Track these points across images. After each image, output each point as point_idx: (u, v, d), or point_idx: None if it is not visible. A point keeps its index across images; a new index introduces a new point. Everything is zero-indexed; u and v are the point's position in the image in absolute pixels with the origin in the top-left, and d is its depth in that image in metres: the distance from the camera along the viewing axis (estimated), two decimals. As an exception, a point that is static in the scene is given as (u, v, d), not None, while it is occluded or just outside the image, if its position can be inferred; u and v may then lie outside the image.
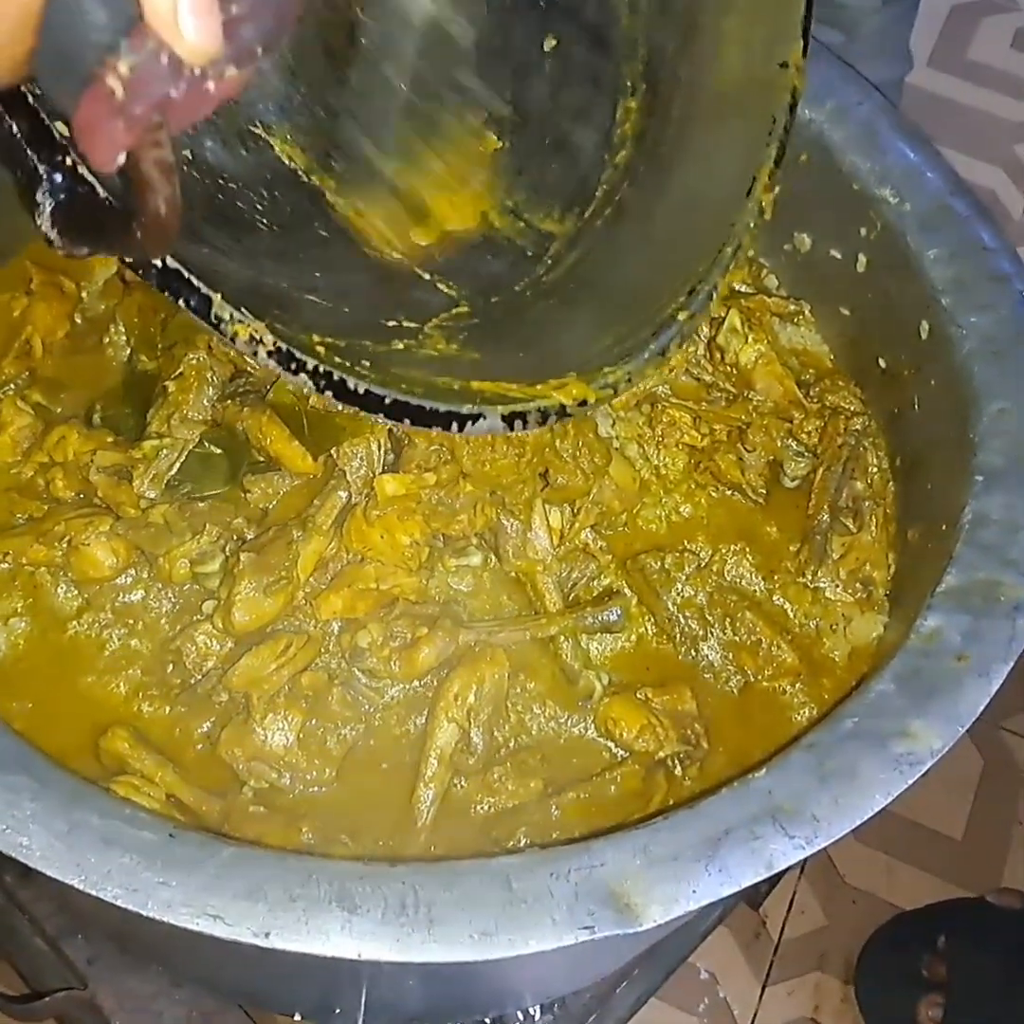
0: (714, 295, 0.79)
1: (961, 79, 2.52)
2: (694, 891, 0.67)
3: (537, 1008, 1.16)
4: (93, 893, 0.63)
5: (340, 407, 0.64)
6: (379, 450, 0.93)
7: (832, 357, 1.12)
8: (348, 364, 0.65)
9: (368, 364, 0.66)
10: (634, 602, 0.96)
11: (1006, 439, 0.87)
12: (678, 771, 0.89)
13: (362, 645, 0.89)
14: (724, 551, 0.98)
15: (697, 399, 1.04)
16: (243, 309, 0.60)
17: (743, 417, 1.03)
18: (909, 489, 1.00)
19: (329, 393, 0.64)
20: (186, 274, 0.58)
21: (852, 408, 1.05)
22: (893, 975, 1.63)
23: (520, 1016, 1.15)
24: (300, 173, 0.77)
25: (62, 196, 0.52)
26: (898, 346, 1.01)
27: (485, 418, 0.68)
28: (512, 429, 0.70)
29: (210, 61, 0.42)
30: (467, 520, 0.92)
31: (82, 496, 0.94)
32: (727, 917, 1.33)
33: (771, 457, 1.03)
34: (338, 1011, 1.03)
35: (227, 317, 0.60)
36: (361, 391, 0.64)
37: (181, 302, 0.59)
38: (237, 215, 0.74)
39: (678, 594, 0.96)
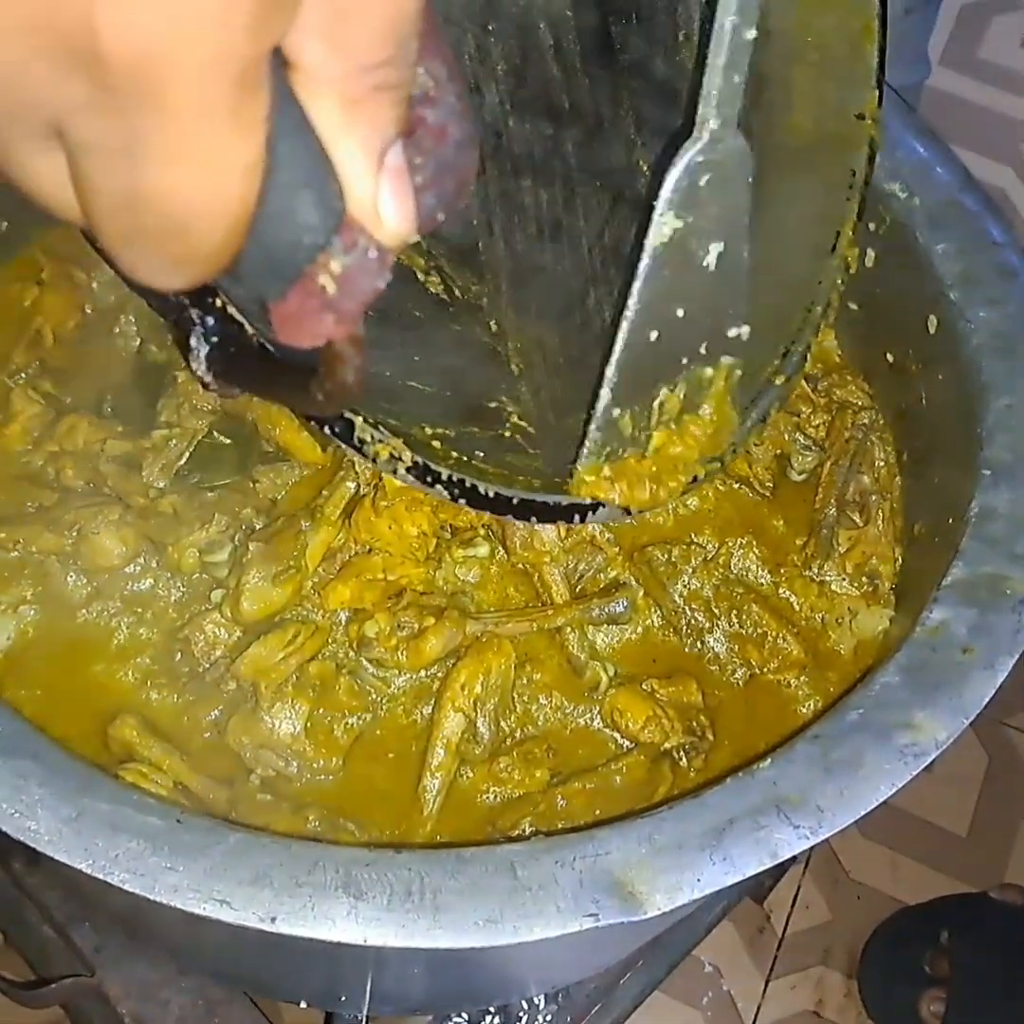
0: (808, 356, 0.78)
1: (971, 78, 2.51)
2: (698, 880, 0.67)
3: (541, 998, 1.17)
4: (101, 877, 0.64)
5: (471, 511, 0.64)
6: (388, 441, 0.93)
7: (840, 352, 1.11)
8: (465, 458, 0.65)
9: (482, 455, 0.66)
10: (640, 594, 0.96)
11: (1013, 434, 0.87)
12: (683, 762, 0.89)
13: (369, 635, 0.89)
14: (731, 544, 0.98)
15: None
16: (381, 428, 0.60)
17: (750, 411, 1.03)
18: (916, 483, 1.00)
19: (463, 500, 0.64)
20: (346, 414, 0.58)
21: (859, 402, 1.05)
22: (896, 970, 1.63)
23: (524, 1005, 1.15)
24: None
25: (215, 339, 0.53)
26: (906, 341, 1.01)
27: (604, 507, 0.68)
28: (629, 514, 0.70)
29: (406, 242, 0.42)
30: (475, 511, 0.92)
31: (92, 485, 0.94)
32: (731, 911, 1.33)
33: (778, 451, 1.03)
34: (344, 999, 1.03)
35: (369, 439, 0.60)
36: (491, 495, 0.65)
37: (326, 429, 0.59)
38: None
39: (684, 586, 0.96)
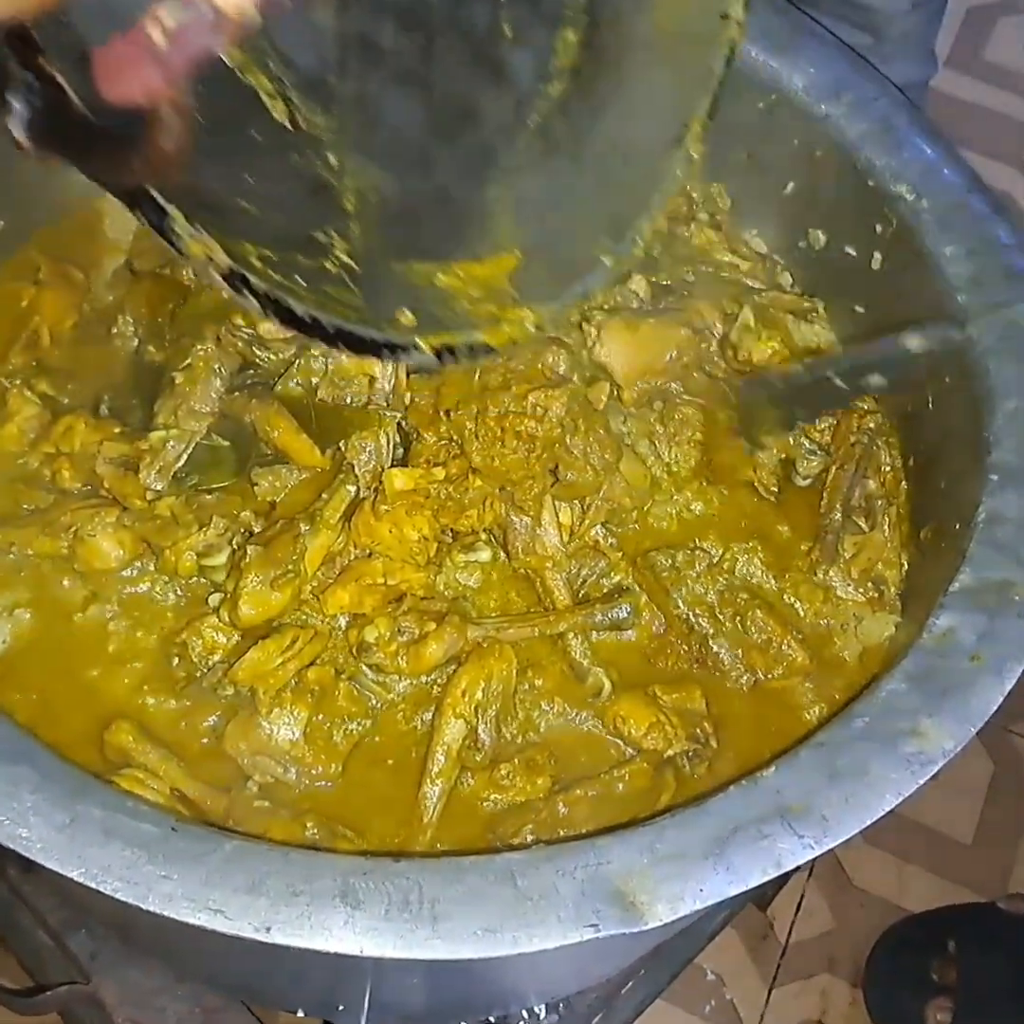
0: (639, 240, 0.78)
1: (977, 80, 2.50)
2: (701, 890, 0.66)
3: (542, 1008, 1.15)
4: (93, 886, 0.63)
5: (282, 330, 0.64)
6: (388, 444, 0.93)
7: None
8: (286, 282, 0.64)
9: (303, 282, 0.66)
10: (644, 599, 0.95)
11: (1021, 438, 0.86)
12: (687, 769, 0.88)
13: (369, 640, 0.88)
14: (735, 549, 0.98)
15: (709, 396, 1.03)
16: (197, 225, 0.59)
17: (755, 414, 1.02)
18: (922, 488, 0.99)
19: (275, 317, 0.63)
20: (151, 191, 0.57)
21: (865, 406, 1.04)
22: (902, 978, 1.62)
23: (525, 1015, 1.14)
24: (237, 71, 0.77)
25: (36, 102, 0.51)
26: (913, 344, 1.00)
27: (418, 350, 0.69)
28: (442, 362, 0.70)
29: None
30: (476, 515, 0.92)
31: (89, 487, 0.93)
32: (734, 918, 1.32)
33: (783, 455, 1.02)
34: (342, 1008, 1.02)
35: (184, 234, 0.59)
36: (308, 319, 0.64)
37: (139, 215, 0.58)
38: None
39: (688, 592, 0.95)
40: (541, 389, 0.89)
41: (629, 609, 0.93)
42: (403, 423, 0.93)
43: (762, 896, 1.53)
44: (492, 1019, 1.14)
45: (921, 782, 0.70)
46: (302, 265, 0.68)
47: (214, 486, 0.93)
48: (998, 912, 1.64)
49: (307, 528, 0.89)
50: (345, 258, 0.73)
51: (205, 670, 0.88)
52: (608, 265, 0.77)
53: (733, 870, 0.67)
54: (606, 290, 0.78)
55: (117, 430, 0.95)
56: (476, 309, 0.74)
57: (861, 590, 0.97)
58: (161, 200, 0.58)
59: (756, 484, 1.01)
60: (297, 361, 0.94)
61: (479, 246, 0.78)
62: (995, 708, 0.74)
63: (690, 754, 0.88)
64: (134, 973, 1.06)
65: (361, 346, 0.67)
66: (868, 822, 0.69)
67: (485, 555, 0.94)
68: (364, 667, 0.89)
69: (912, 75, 1.59)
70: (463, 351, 0.71)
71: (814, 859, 0.68)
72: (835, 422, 1.03)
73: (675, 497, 1.00)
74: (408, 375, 0.94)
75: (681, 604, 0.95)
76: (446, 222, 0.80)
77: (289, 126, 0.76)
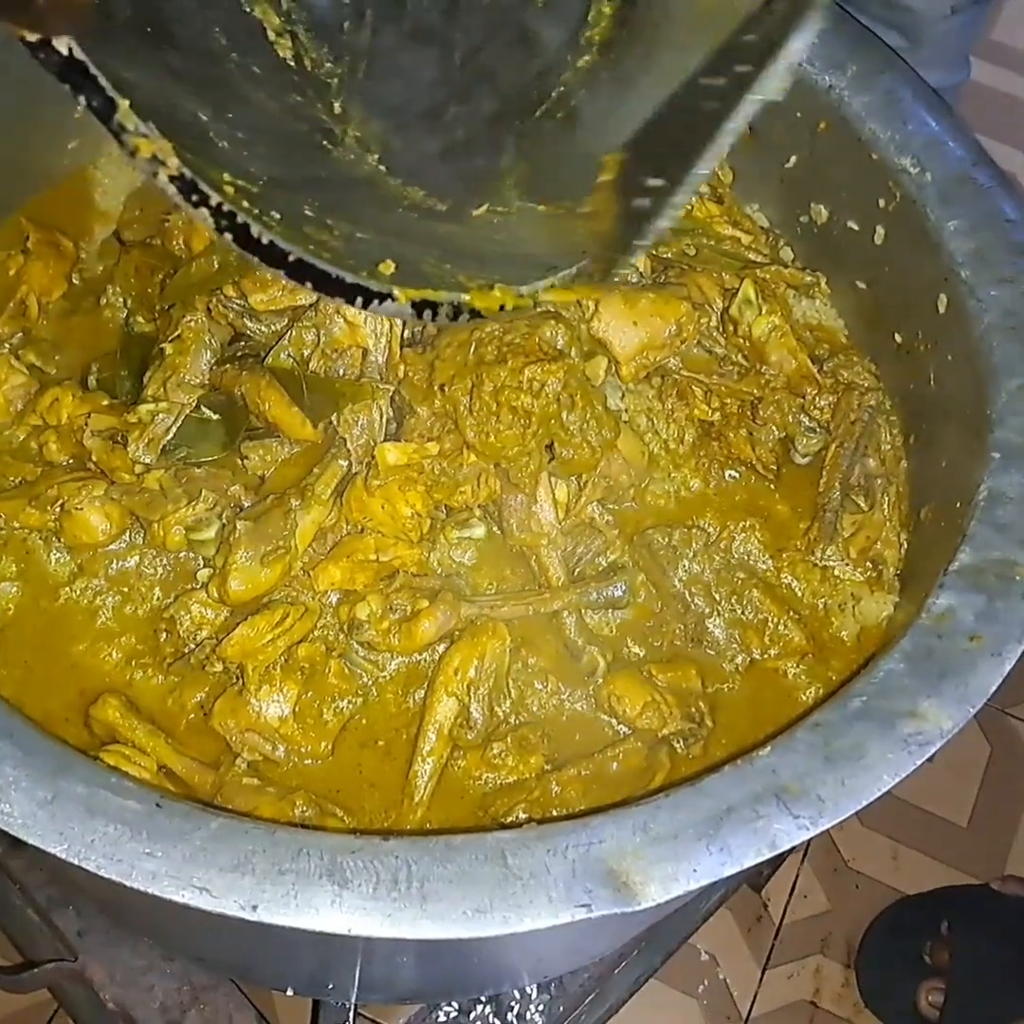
0: (677, 206, 0.77)
1: (983, 60, 2.48)
2: (694, 870, 0.65)
3: (534, 988, 1.15)
4: (76, 863, 0.62)
5: (240, 253, 0.62)
6: (381, 418, 0.91)
7: (847, 332, 1.10)
8: (256, 211, 0.62)
9: (279, 217, 0.64)
10: (640, 578, 0.94)
11: (1024, 416, 0.85)
12: (681, 749, 0.87)
13: (361, 617, 0.87)
14: (732, 528, 0.97)
15: (708, 372, 1.02)
16: (151, 124, 0.57)
17: (755, 391, 1.01)
18: (923, 467, 0.98)
19: (229, 237, 0.61)
20: (92, 70, 0.55)
21: (866, 384, 1.03)
22: (895, 960, 1.62)
23: (516, 995, 1.14)
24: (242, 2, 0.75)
25: None
26: (915, 320, 0.99)
27: (393, 299, 0.67)
28: (420, 317, 0.69)
29: None
30: (470, 491, 0.90)
31: (76, 460, 0.92)
32: (729, 899, 1.32)
33: (783, 433, 1.01)
34: (331, 987, 1.02)
35: (131, 128, 0.57)
36: (265, 241, 0.62)
37: (82, 100, 0.56)
38: (161, 26, 0.70)
39: (685, 571, 0.94)
40: (538, 364, 0.88)
41: (624, 587, 0.92)
42: (396, 397, 0.92)
43: (757, 877, 1.53)
44: (483, 998, 1.13)
45: (918, 763, 0.70)
46: (281, 202, 0.67)
47: (204, 459, 0.92)
48: (992, 894, 1.64)
49: (298, 503, 0.88)
50: (332, 198, 0.71)
51: (193, 646, 0.87)
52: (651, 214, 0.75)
53: (727, 850, 0.66)
54: (605, 275, 0.77)
55: (105, 402, 0.93)
56: (466, 272, 0.72)
57: (860, 570, 0.96)
58: (108, 87, 0.56)
59: (754, 462, 1.00)
60: (289, 333, 0.93)
61: (481, 210, 0.77)
62: (994, 689, 0.73)
63: (685, 734, 0.87)
64: (122, 951, 1.05)
65: (328, 284, 0.65)
66: (864, 803, 0.68)
67: (479, 532, 0.92)
68: (355, 645, 0.88)
69: (944, 80, 1.56)
70: (446, 310, 0.70)
71: (809, 840, 0.67)
72: (835, 400, 1.02)
73: (673, 475, 0.99)
74: (402, 348, 0.93)
75: (677, 583, 0.94)
76: (450, 182, 0.78)
77: (293, 65, 0.75)
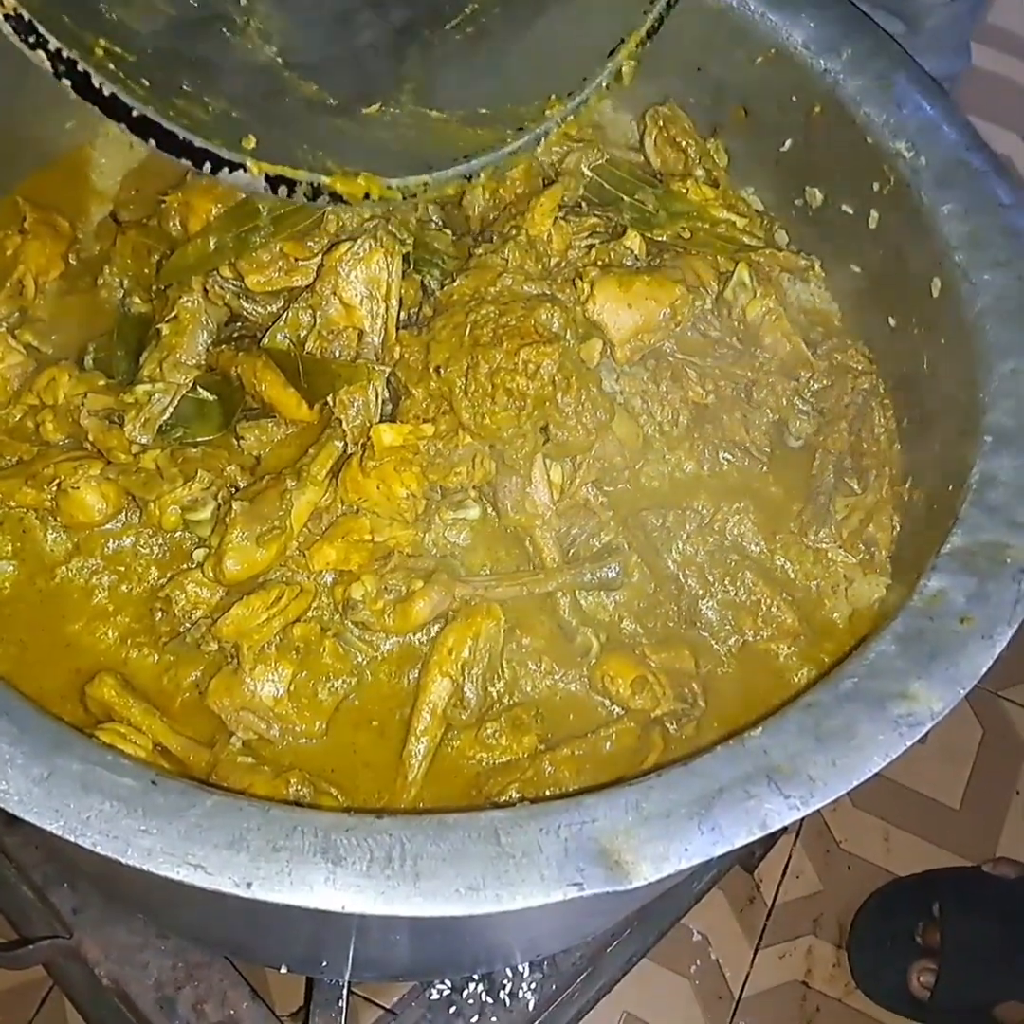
0: (541, 141, 0.79)
1: (979, 44, 2.47)
2: (686, 849, 0.66)
3: (526, 966, 1.16)
4: (72, 839, 0.62)
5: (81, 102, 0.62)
6: (376, 399, 0.91)
7: (841, 315, 1.10)
8: (120, 74, 0.62)
9: (147, 84, 0.64)
10: (634, 560, 0.94)
11: (1017, 400, 0.85)
12: (674, 729, 0.87)
13: (356, 597, 0.87)
14: (726, 510, 0.97)
15: (702, 355, 1.02)
16: None
17: (749, 374, 1.01)
18: (916, 450, 0.98)
19: (68, 84, 0.61)
20: None
21: (860, 367, 1.03)
22: (887, 940, 1.63)
23: (509, 973, 1.15)
24: None
25: None
26: (909, 304, 0.99)
27: (244, 170, 0.69)
28: (274, 192, 0.70)
29: None
30: (465, 473, 0.91)
31: (72, 439, 0.92)
32: (721, 880, 1.33)
33: (776, 416, 1.01)
34: (325, 964, 1.02)
35: None
36: (106, 92, 0.62)
37: None
38: None
39: (678, 552, 0.94)
40: (533, 346, 0.88)
41: (618, 569, 0.92)
42: (392, 378, 0.92)
43: (749, 858, 1.54)
44: (475, 976, 1.14)
45: (909, 744, 0.70)
46: (159, 75, 0.67)
47: (199, 439, 0.92)
48: (983, 876, 1.65)
49: (294, 484, 0.88)
50: (223, 83, 0.73)
51: (189, 625, 0.87)
52: (500, 153, 0.79)
53: (719, 830, 0.66)
54: (489, 175, 0.81)
55: (101, 382, 0.93)
56: (337, 160, 0.74)
57: (852, 552, 0.96)
58: None
59: (748, 444, 1.00)
60: (285, 314, 0.93)
61: (372, 109, 0.79)
62: (985, 671, 0.73)
63: (677, 714, 0.88)
64: (117, 928, 1.06)
65: (172, 144, 0.66)
66: (855, 783, 0.69)
67: (474, 513, 0.93)
68: (350, 625, 0.88)
69: (943, 68, 1.55)
70: (305, 188, 0.71)
71: (801, 821, 0.67)
72: (828, 383, 1.03)
73: (667, 457, 0.99)
74: (398, 329, 0.93)
75: (671, 564, 0.94)
76: (346, 81, 0.80)
77: None
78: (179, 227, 1.01)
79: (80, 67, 0.62)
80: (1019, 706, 1.82)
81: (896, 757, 0.70)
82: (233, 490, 0.90)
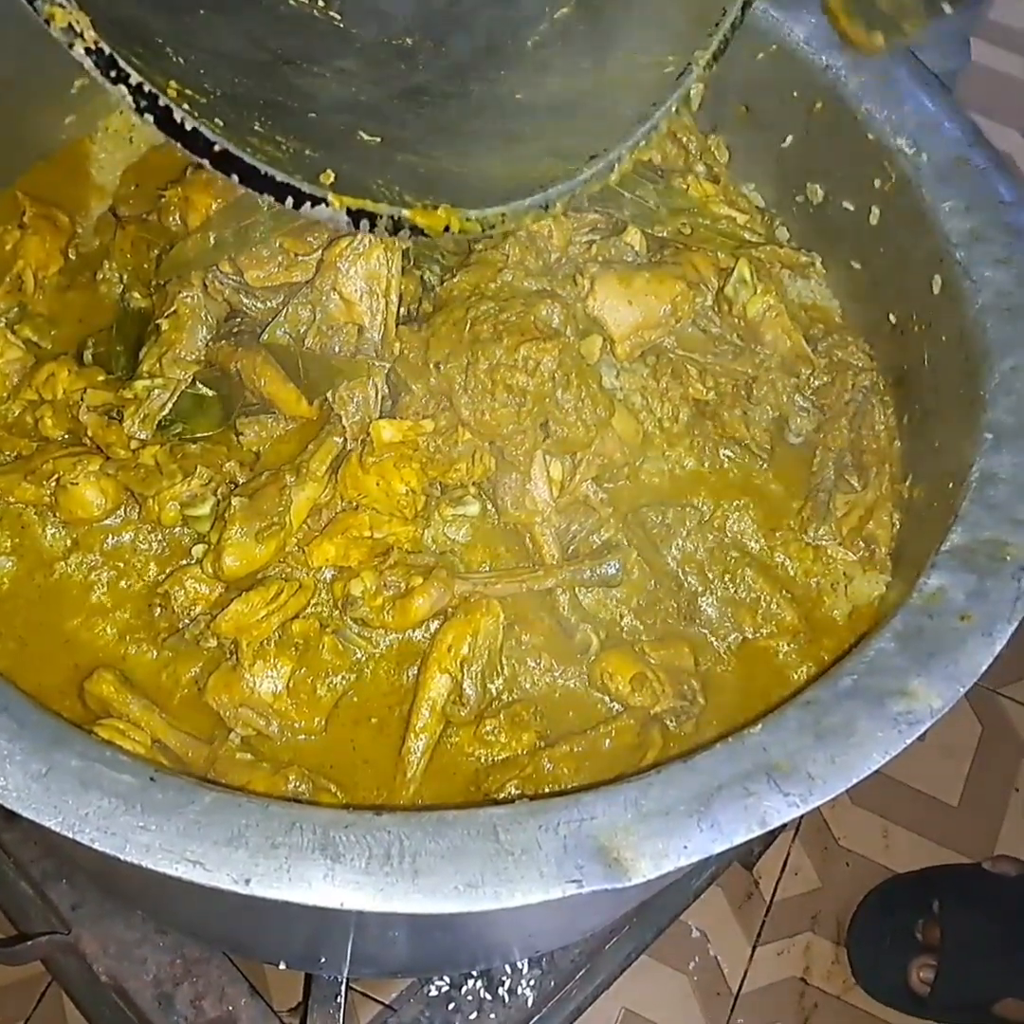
0: (616, 167, 0.79)
1: (980, 40, 2.47)
2: (685, 846, 0.65)
3: (525, 963, 1.16)
4: (70, 836, 0.62)
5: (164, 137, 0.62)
6: (376, 395, 0.91)
7: (841, 312, 1.10)
8: (196, 114, 0.63)
9: (222, 123, 0.64)
10: (634, 556, 0.94)
11: (1018, 397, 0.85)
12: (673, 726, 0.87)
13: (355, 594, 0.87)
14: (726, 506, 0.97)
15: (703, 351, 1.02)
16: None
17: (749, 371, 1.01)
18: (916, 447, 0.98)
19: (151, 119, 0.61)
20: None
21: (860, 364, 1.03)
22: (886, 937, 1.63)
23: (507, 970, 1.15)
24: None
25: None
26: (909, 301, 0.99)
27: (327, 204, 0.69)
28: (356, 227, 0.70)
29: None
30: (465, 469, 0.91)
31: (71, 435, 0.92)
32: (720, 876, 1.33)
33: (776, 412, 1.01)
34: (324, 961, 1.02)
35: None
36: (188, 128, 0.62)
37: None
38: None
39: (678, 549, 0.94)
40: (533, 342, 0.88)
41: (618, 566, 0.92)
42: (392, 374, 0.92)
43: (748, 855, 1.54)
44: (474, 972, 1.14)
45: (908, 741, 0.70)
46: (231, 115, 0.67)
47: (199, 435, 0.92)
48: (983, 873, 1.65)
49: (293, 480, 0.88)
50: (303, 113, 0.73)
51: (188, 621, 0.87)
52: (576, 183, 0.78)
53: (718, 827, 0.66)
54: (566, 205, 0.80)
55: (101, 378, 0.93)
56: (414, 193, 0.74)
57: (852, 549, 0.96)
58: None
59: (748, 441, 1.00)
60: (285, 309, 0.93)
61: (444, 142, 0.78)
62: (984, 668, 0.73)
63: (677, 711, 0.88)
64: (115, 924, 1.06)
65: (256, 181, 0.66)
66: (854, 781, 0.69)
67: (474, 509, 0.93)
68: (349, 621, 0.88)
69: (944, 65, 1.55)
70: (385, 223, 0.71)
71: (800, 818, 0.67)
72: (829, 380, 1.02)
73: (667, 453, 0.99)
74: (398, 325, 0.93)
75: (671, 561, 0.94)
76: (411, 117, 0.80)
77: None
78: (179, 222, 1.00)
79: (161, 101, 0.62)
80: (1018, 704, 1.82)
81: (895, 755, 0.70)
82: (232, 486, 0.90)
